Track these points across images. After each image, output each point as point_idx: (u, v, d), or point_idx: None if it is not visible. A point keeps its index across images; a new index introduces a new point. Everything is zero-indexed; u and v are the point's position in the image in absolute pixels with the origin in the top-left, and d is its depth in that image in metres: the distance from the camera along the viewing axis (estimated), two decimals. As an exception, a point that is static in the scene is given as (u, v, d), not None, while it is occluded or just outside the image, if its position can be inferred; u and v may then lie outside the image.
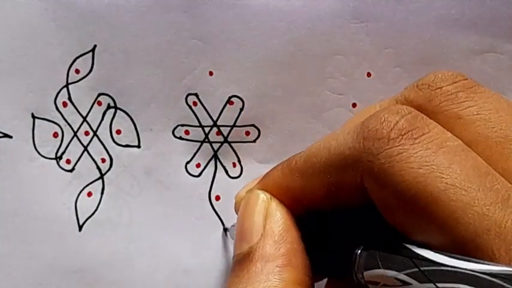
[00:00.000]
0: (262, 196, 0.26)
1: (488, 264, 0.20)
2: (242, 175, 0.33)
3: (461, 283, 0.21)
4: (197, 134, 0.33)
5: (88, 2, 0.32)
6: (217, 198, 0.33)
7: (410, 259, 0.22)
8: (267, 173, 0.27)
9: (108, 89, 0.32)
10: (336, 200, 0.25)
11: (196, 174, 0.33)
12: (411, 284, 0.22)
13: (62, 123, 0.32)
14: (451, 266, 0.21)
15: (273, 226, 0.25)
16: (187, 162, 0.33)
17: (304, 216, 0.26)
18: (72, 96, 0.32)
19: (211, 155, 0.33)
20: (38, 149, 0.32)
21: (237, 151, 0.33)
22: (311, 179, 0.25)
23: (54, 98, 0.32)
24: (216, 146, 0.33)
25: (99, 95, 0.32)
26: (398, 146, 0.22)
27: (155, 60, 0.32)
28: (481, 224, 0.21)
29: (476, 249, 0.21)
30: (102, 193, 0.32)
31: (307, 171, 0.25)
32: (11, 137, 0.32)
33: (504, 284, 0.20)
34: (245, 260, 0.25)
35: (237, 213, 0.28)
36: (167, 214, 0.32)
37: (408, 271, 0.22)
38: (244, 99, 0.32)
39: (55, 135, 0.32)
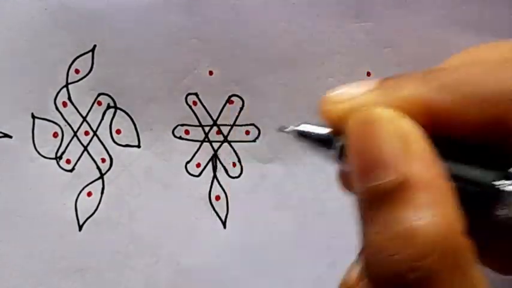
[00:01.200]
0: (387, 113, 0.22)
1: None
2: (242, 175, 0.33)
3: None
4: (197, 133, 0.33)
5: (88, 2, 0.32)
6: (217, 198, 0.33)
7: None
8: (388, 88, 0.23)
9: (108, 89, 0.32)
10: (491, 135, 0.22)
11: (196, 174, 0.33)
12: None
13: (62, 123, 0.32)
14: None
15: (419, 147, 0.22)
16: (187, 162, 0.33)
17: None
18: (72, 96, 0.32)
19: (211, 155, 0.33)
20: (38, 149, 0.32)
21: (237, 150, 0.33)
22: (469, 105, 0.22)
23: (54, 98, 0.32)
24: (216, 145, 0.33)
25: (99, 95, 0.32)
26: None
27: (155, 60, 0.32)
28: None
29: None
30: (102, 193, 0.32)
31: (468, 94, 0.22)
32: (11, 137, 0.32)
33: None
34: (397, 191, 0.21)
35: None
36: (167, 214, 0.32)
37: None
38: (244, 99, 0.32)
39: (55, 135, 0.32)
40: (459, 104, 0.22)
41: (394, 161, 0.22)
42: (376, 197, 0.22)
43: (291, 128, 0.25)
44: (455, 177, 0.22)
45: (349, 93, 0.24)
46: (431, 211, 0.21)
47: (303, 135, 0.25)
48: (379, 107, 0.23)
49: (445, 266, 0.21)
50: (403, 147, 0.22)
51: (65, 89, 0.32)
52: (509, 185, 0.21)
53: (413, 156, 0.22)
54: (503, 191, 0.21)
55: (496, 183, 0.21)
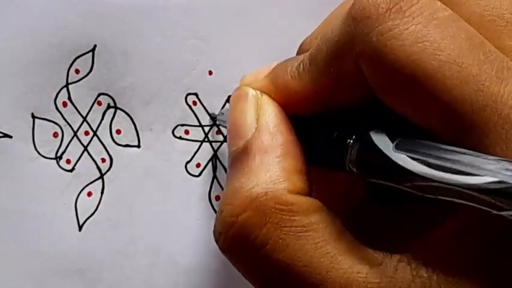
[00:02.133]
0: (252, 92, 0.26)
1: (481, 157, 0.20)
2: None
3: (457, 198, 0.21)
4: (197, 133, 0.33)
5: (88, 2, 0.32)
6: (217, 198, 0.33)
7: (400, 171, 0.22)
8: (272, 74, 0.27)
9: (108, 89, 0.32)
10: (345, 96, 0.24)
11: (196, 174, 0.33)
12: (413, 192, 0.22)
13: (62, 123, 0.32)
14: (442, 182, 0.21)
15: (267, 119, 0.25)
16: (187, 162, 0.33)
17: (300, 116, 0.26)
18: (72, 96, 0.32)
19: (211, 155, 0.33)
20: (38, 149, 0.32)
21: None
22: (319, 78, 0.24)
23: (54, 98, 0.32)
24: (216, 145, 0.33)
25: (99, 95, 0.32)
26: (388, 21, 0.22)
27: (155, 60, 0.32)
28: (477, 101, 0.21)
29: (472, 126, 0.21)
30: (102, 193, 0.32)
31: (315, 72, 0.24)
32: (11, 137, 0.32)
33: (493, 200, 0.20)
34: (242, 155, 0.25)
35: None
36: (167, 214, 0.32)
37: (404, 184, 0.22)
38: (244, 99, 0.32)
39: (55, 135, 0.32)
40: (315, 82, 0.25)
41: (245, 130, 0.25)
42: (231, 162, 0.25)
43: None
44: (310, 142, 0.25)
45: (258, 75, 0.27)
46: (258, 172, 0.24)
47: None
48: (244, 87, 0.27)
49: (261, 221, 0.23)
50: (254, 118, 0.25)
51: (65, 89, 0.32)
52: (351, 142, 0.24)
53: (259, 126, 0.25)
54: (348, 146, 0.24)
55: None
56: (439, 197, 0.21)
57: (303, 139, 0.25)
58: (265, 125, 0.25)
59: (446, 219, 0.22)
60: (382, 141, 0.23)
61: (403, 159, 0.22)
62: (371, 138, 0.23)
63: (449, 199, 0.21)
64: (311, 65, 0.25)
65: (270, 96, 0.26)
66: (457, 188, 0.20)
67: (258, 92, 0.26)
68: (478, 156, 0.20)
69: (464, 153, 0.21)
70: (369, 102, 0.24)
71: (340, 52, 0.23)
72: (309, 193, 0.24)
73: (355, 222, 0.24)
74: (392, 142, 0.22)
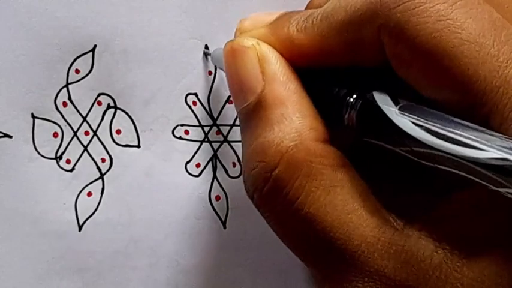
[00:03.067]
0: (249, 42, 0.26)
1: (484, 132, 0.20)
2: (242, 175, 0.33)
3: (456, 169, 0.21)
4: (197, 133, 0.33)
5: (88, 2, 0.32)
6: (218, 198, 0.33)
7: (401, 135, 0.22)
8: (275, 24, 0.26)
9: (108, 89, 0.32)
10: (353, 58, 0.25)
11: (196, 174, 0.33)
12: (412, 158, 0.22)
13: (62, 123, 0.32)
14: (442, 151, 0.21)
15: (274, 68, 0.25)
16: (187, 162, 0.33)
17: (303, 69, 0.26)
18: (72, 96, 0.32)
19: (211, 155, 0.33)
20: (38, 149, 0.32)
21: (236, 150, 0.33)
22: (329, 38, 0.24)
23: (54, 98, 0.32)
24: (215, 145, 0.33)
25: (99, 95, 0.32)
26: None
27: (155, 60, 0.32)
28: (492, 82, 0.21)
29: (482, 105, 0.21)
30: (102, 193, 0.32)
31: (325, 30, 0.24)
32: (11, 137, 0.32)
33: (494, 176, 0.20)
34: (258, 110, 0.24)
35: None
36: (167, 214, 0.32)
37: (404, 148, 0.22)
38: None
39: (55, 135, 0.32)
40: (325, 40, 0.24)
41: (253, 84, 0.25)
42: (244, 119, 0.25)
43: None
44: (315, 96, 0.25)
45: (256, 22, 0.27)
46: (281, 125, 0.24)
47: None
48: (240, 38, 0.26)
49: (293, 174, 0.23)
50: (259, 70, 0.25)
51: (65, 89, 0.32)
52: (353, 99, 0.24)
53: (268, 77, 0.24)
54: (349, 103, 0.24)
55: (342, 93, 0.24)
56: (437, 166, 0.21)
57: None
58: (274, 75, 0.25)
59: (457, 193, 0.23)
60: (385, 103, 0.23)
61: (405, 123, 0.22)
62: (373, 98, 0.23)
63: (448, 169, 0.21)
64: (322, 21, 0.25)
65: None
66: (458, 159, 0.21)
67: (255, 41, 0.26)
68: (483, 131, 0.21)
69: (469, 127, 0.21)
70: (374, 66, 0.24)
71: (360, 20, 0.24)
72: (330, 138, 0.24)
73: (374, 186, 0.24)
74: (396, 105, 0.23)
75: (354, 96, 0.24)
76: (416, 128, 0.22)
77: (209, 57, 0.32)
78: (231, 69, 0.26)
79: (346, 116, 0.24)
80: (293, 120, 0.24)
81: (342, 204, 0.23)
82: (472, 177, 0.20)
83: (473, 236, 0.22)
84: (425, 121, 0.22)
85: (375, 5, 0.23)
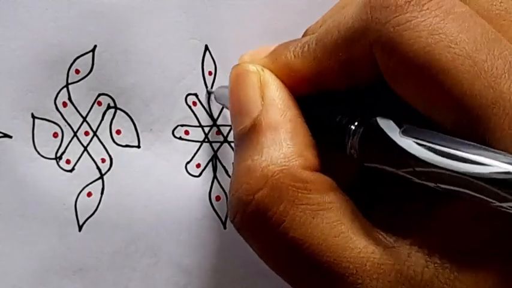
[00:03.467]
0: (253, 67, 0.26)
1: (484, 150, 0.20)
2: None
3: (459, 187, 0.21)
4: (197, 134, 0.33)
5: (88, 1, 0.32)
6: (218, 198, 0.33)
7: (403, 156, 0.22)
8: (274, 53, 0.27)
9: (108, 89, 0.32)
10: (350, 78, 0.25)
11: (196, 174, 0.33)
12: (413, 179, 0.22)
13: (62, 123, 0.32)
14: (446, 169, 0.21)
15: (273, 94, 0.25)
16: (187, 162, 0.33)
17: (304, 97, 0.26)
18: (72, 96, 0.32)
19: (211, 155, 0.33)
20: (38, 149, 0.32)
21: (237, 151, 0.33)
22: (324, 60, 0.24)
23: (54, 98, 0.32)
24: (216, 145, 0.33)
25: (99, 95, 0.32)
26: (406, 13, 0.22)
27: (155, 60, 0.32)
28: (487, 97, 0.21)
29: (480, 122, 0.21)
30: (102, 193, 0.32)
31: (321, 53, 0.25)
32: (11, 137, 0.32)
33: (499, 191, 0.20)
34: (252, 133, 0.25)
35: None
36: (167, 214, 0.32)
37: (406, 170, 0.22)
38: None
39: (55, 135, 0.32)
40: (320, 63, 0.25)
41: (251, 108, 0.25)
42: (238, 141, 0.25)
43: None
44: (314, 123, 0.25)
45: (256, 55, 0.27)
46: (270, 149, 0.24)
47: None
48: (244, 64, 0.26)
49: (278, 199, 0.23)
50: (259, 95, 0.25)
51: (65, 89, 0.32)
52: (354, 126, 0.24)
53: (266, 103, 0.25)
54: (351, 130, 0.24)
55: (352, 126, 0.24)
56: (439, 185, 0.21)
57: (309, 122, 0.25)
58: (272, 101, 0.25)
59: (452, 203, 0.22)
60: (388, 126, 0.23)
61: (408, 144, 0.22)
62: (376, 123, 0.23)
63: (450, 187, 0.21)
64: (318, 45, 0.25)
65: None
66: (462, 176, 0.20)
67: (260, 67, 0.26)
68: (485, 149, 0.21)
69: (471, 145, 0.21)
70: (372, 87, 0.24)
71: (353, 38, 0.23)
72: (320, 168, 0.24)
73: (364, 206, 0.24)
74: (399, 128, 0.23)
75: (356, 123, 0.24)
76: (420, 148, 0.21)
77: (212, 96, 0.32)
78: (233, 92, 0.26)
79: (349, 143, 0.24)
80: (283, 146, 0.24)
81: (329, 228, 0.23)
82: (475, 194, 0.20)
83: (465, 249, 0.22)
84: (428, 141, 0.22)
85: (366, 22, 0.23)
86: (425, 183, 0.22)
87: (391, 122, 0.23)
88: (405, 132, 0.22)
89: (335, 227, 0.23)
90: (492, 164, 0.20)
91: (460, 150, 0.21)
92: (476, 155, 0.20)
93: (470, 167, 0.20)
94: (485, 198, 0.20)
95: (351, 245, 0.23)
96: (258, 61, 0.27)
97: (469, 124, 0.21)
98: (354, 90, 0.25)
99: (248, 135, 0.25)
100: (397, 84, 0.23)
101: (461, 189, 0.21)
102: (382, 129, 0.23)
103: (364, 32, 0.23)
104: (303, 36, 0.29)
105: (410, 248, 0.22)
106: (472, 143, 0.21)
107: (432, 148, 0.21)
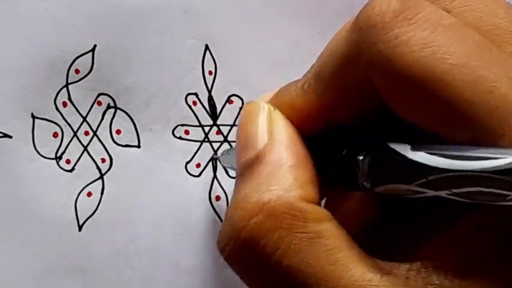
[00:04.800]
0: (264, 105, 0.26)
1: (494, 153, 0.20)
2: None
3: (474, 186, 0.20)
4: (197, 133, 0.33)
5: (88, 1, 0.32)
6: (218, 198, 0.33)
7: (415, 168, 0.22)
8: (277, 95, 0.27)
9: (108, 89, 0.32)
10: (351, 109, 0.24)
11: (196, 174, 0.33)
12: (426, 192, 0.22)
13: (62, 123, 0.32)
14: (459, 171, 0.21)
15: (280, 130, 0.25)
16: (187, 162, 0.33)
17: (313, 136, 0.26)
18: (72, 96, 0.32)
19: (211, 155, 0.33)
20: (38, 149, 0.32)
21: (236, 151, 0.33)
22: (325, 93, 0.24)
23: (54, 98, 0.32)
24: (216, 145, 0.33)
25: (99, 95, 0.32)
26: (394, 29, 0.22)
27: (155, 60, 0.32)
28: (489, 102, 0.21)
29: (486, 128, 0.21)
30: (102, 193, 0.32)
31: (319, 86, 0.25)
32: (11, 137, 0.32)
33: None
34: (254, 165, 0.24)
35: None
36: (167, 214, 0.32)
37: (419, 182, 0.22)
38: (243, 98, 0.32)
39: (55, 135, 0.32)
40: (322, 98, 0.25)
41: (257, 141, 0.25)
42: (240, 172, 0.25)
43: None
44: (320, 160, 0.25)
45: (262, 99, 0.27)
46: (270, 180, 0.24)
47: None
48: (256, 101, 0.27)
49: (273, 226, 0.23)
50: (266, 130, 0.25)
51: (65, 89, 0.32)
52: (363, 155, 0.24)
53: (272, 137, 0.25)
54: (359, 164, 0.24)
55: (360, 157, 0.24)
56: (453, 191, 0.21)
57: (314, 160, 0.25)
58: (279, 136, 0.25)
59: (450, 225, 0.22)
60: (397, 146, 0.23)
61: (420, 155, 0.22)
62: (385, 145, 0.23)
63: (464, 190, 0.21)
64: (316, 80, 0.25)
65: None
66: (476, 174, 0.20)
67: (271, 106, 0.26)
68: (497, 147, 0.20)
69: (481, 148, 0.21)
70: (375, 114, 0.24)
71: (347, 63, 0.23)
72: (319, 203, 0.24)
73: (359, 234, 0.24)
74: (409, 145, 0.22)
75: (363, 153, 0.24)
76: (432, 156, 0.21)
77: (218, 162, 0.33)
78: (242, 126, 0.26)
79: (359, 173, 0.24)
80: (283, 178, 0.24)
81: (326, 256, 0.22)
82: (492, 190, 0.20)
83: (462, 267, 0.21)
84: (439, 150, 0.21)
85: (357, 43, 0.23)
86: (437, 194, 0.22)
87: (400, 144, 0.23)
88: (415, 148, 0.22)
89: (332, 255, 0.22)
90: (507, 156, 0.20)
91: (471, 152, 0.21)
92: (489, 153, 0.20)
93: (485, 163, 0.20)
94: (501, 192, 0.20)
95: (347, 273, 0.22)
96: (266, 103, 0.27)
97: (476, 132, 0.21)
98: (359, 123, 0.25)
99: (251, 166, 0.25)
100: (396, 103, 0.23)
101: (476, 189, 0.21)
102: (392, 149, 0.23)
103: (356, 55, 0.23)
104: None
105: (408, 272, 0.22)
106: (483, 147, 0.21)
107: (444, 154, 0.21)
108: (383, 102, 0.23)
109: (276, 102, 0.26)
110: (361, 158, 0.24)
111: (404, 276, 0.22)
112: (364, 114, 0.25)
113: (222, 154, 0.32)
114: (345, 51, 0.23)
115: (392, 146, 0.23)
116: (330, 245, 0.23)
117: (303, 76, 0.27)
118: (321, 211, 0.24)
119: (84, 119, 0.32)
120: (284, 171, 0.24)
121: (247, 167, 0.25)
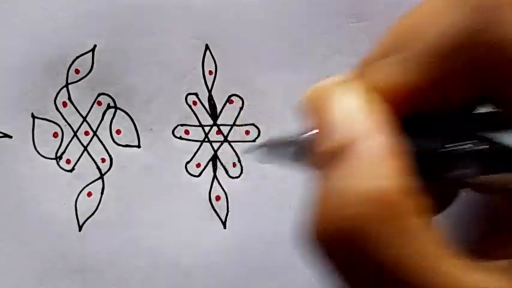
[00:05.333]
0: (352, 85, 0.24)
1: None
2: (242, 175, 0.33)
3: None
4: (197, 133, 0.33)
5: (88, 1, 0.32)
6: (218, 198, 0.33)
7: None
8: (363, 75, 0.25)
9: (108, 89, 0.32)
10: (451, 94, 0.23)
11: (196, 174, 0.33)
12: None
13: (62, 123, 0.32)
14: None
15: (373, 116, 0.23)
16: (187, 162, 0.33)
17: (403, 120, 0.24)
18: (72, 96, 0.32)
19: (211, 155, 0.33)
20: (38, 149, 0.32)
21: (237, 150, 0.33)
22: (428, 73, 0.23)
23: (54, 98, 0.32)
24: (216, 145, 0.33)
25: (99, 95, 0.32)
26: None
27: (155, 60, 0.32)
28: None
29: None
30: (102, 193, 0.32)
31: (424, 65, 0.23)
32: (11, 137, 0.32)
33: None
34: (345, 153, 0.23)
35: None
36: (167, 214, 0.32)
37: None
38: (244, 98, 0.32)
39: (55, 135, 0.32)
40: (414, 83, 0.23)
41: (345, 127, 0.23)
42: (326, 160, 0.23)
43: (259, 143, 0.27)
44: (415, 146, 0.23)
45: (325, 84, 0.25)
46: (368, 171, 0.22)
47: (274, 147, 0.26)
48: (339, 81, 0.24)
49: (371, 218, 0.22)
50: (350, 115, 0.23)
51: (65, 89, 0.32)
52: (459, 146, 0.22)
53: (359, 123, 0.23)
54: (451, 154, 0.22)
55: (447, 145, 0.22)
56: None
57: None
58: (371, 123, 0.23)
59: None
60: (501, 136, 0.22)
61: None
62: (497, 139, 0.22)
63: None
64: (425, 58, 0.23)
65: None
66: None
67: (360, 86, 0.24)
68: None
69: None
70: (477, 101, 0.23)
71: (462, 45, 0.22)
72: (415, 194, 0.23)
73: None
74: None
75: (469, 143, 0.22)
76: None
77: (259, 150, 0.29)
78: (324, 106, 0.24)
79: (461, 164, 0.22)
80: (380, 168, 0.22)
81: (433, 251, 0.22)
82: None
83: None
84: None
85: (479, 23, 0.21)
86: None
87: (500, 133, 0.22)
88: None
89: (440, 249, 0.21)
90: None
91: None
92: None
93: None
94: None
95: (459, 271, 0.21)
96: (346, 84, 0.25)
97: None
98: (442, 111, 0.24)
99: (339, 155, 0.23)
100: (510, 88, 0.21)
101: None
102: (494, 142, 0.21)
103: (475, 36, 0.21)
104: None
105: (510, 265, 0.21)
106: None
107: None
108: (477, 90, 0.22)
109: (363, 82, 0.24)
110: (467, 147, 0.22)
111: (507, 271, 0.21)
112: (464, 99, 0.23)
113: (250, 149, 0.28)
114: (462, 30, 0.22)
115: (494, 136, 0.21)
116: (432, 240, 0.22)
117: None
118: (419, 203, 0.22)
119: (84, 119, 0.32)
120: (380, 161, 0.22)
121: (334, 156, 0.23)
